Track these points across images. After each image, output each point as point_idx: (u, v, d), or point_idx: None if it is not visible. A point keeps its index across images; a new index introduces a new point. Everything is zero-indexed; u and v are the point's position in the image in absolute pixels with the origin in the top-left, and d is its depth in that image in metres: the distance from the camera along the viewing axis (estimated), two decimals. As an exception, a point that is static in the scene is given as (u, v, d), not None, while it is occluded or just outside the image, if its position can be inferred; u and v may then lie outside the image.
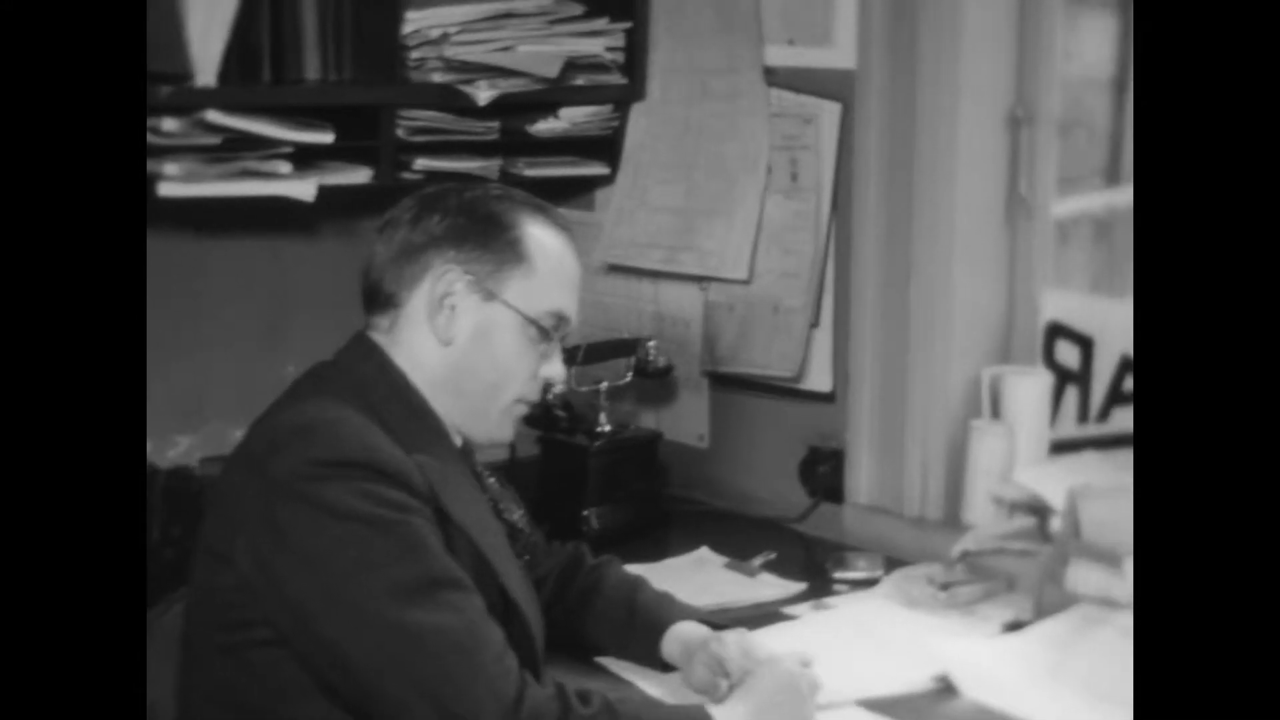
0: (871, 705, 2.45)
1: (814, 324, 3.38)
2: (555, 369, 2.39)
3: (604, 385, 3.42)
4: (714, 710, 2.25)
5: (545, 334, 2.35)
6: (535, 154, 3.53)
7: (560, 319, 2.37)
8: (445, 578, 2.13)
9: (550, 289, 2.35)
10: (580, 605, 2.64)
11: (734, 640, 2.46)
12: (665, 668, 2.55)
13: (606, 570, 2.69)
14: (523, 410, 2.40)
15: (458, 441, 2.38)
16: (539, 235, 2.35)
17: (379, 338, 2.34)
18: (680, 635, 2.54)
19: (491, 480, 2.51)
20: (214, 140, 3.07)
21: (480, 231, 2.32)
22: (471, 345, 2.32)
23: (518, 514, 2.54)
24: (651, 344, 3.50)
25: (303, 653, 2.13)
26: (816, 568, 3.08)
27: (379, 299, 2.35)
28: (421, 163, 3.35)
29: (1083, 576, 2.70)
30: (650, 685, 2.52)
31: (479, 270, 2.31)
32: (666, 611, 2.60)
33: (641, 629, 2.58)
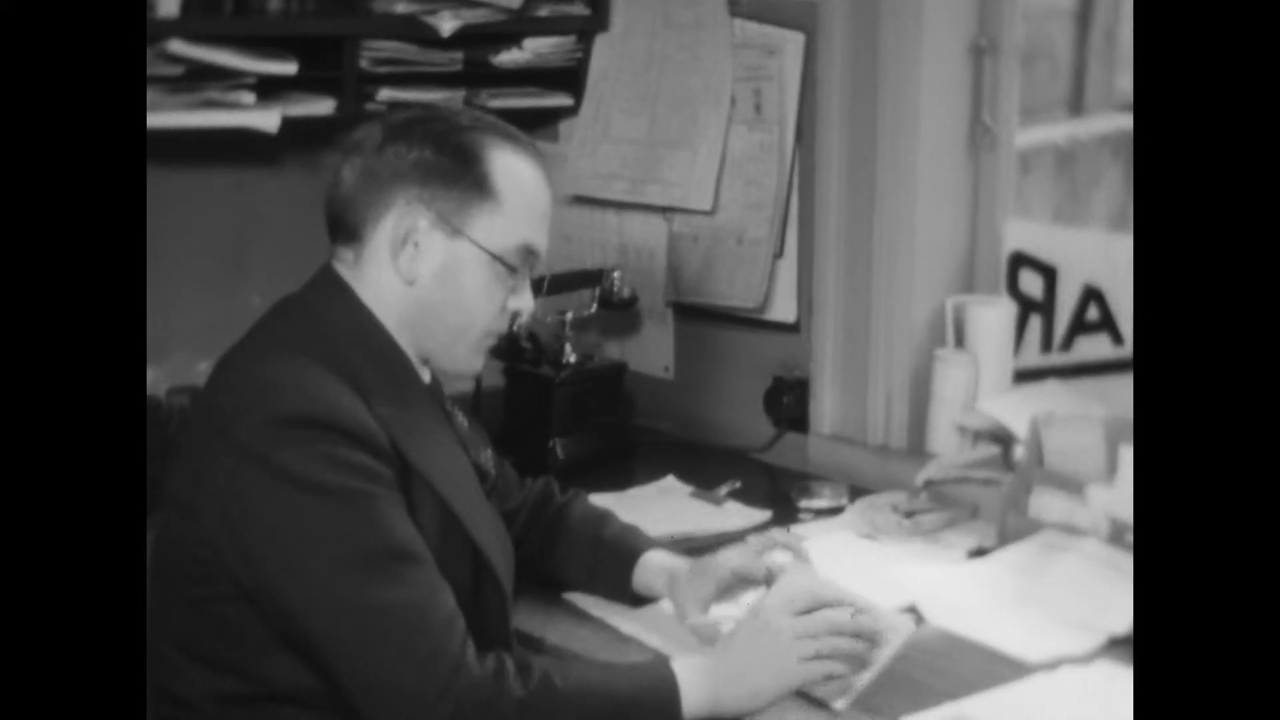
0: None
1: (778, 254, 3.39)
2: (524, 301, 2.35)
3: (569, 316, 3.43)
4: (679, 667, 2.20)
5: (513, 269, 2.31)
6: (499, 85, 3.52)
7: (529, 252, 2.32)
8: (398, 550, 2.12)
9: (518, 223, 2.29)
10: (548, 542, 2.64)
11: (713, 567, 2.48)
12: (636, 601, 2.56)
13: (573, 506, 2.69)
14: (491, 342, 2.37)
15: (426, 376, 2.36)
16: (508, 167, 2.29)
17: (344, 272, 2.30)
18: (652, 565, 2.55)
19: (461, 419, 2.49)
20: (177, 71, 3.06)
21: (447, 166, 2.26)
22: (436, 283, 2.27)
23: (485, 453, 2.51)
24: (616, 275, 3.51)
25: (266, 611, 2.14)
26: (781, 497, 3.10)
27: (343, 230, 2.30)
28: (385, 94, 3.33)
29: (1046, 504, 2.72)
30: (624, 621, 2.54)
31: (444, 208, 2.25)
32: (633, 544, 2.60)
33: (609, 563, 2.59)
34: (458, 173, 2.26)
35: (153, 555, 2.26)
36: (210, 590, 2.16)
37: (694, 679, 2.19)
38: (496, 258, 2.28)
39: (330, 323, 2.26)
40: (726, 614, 2.44)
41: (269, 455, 2.10)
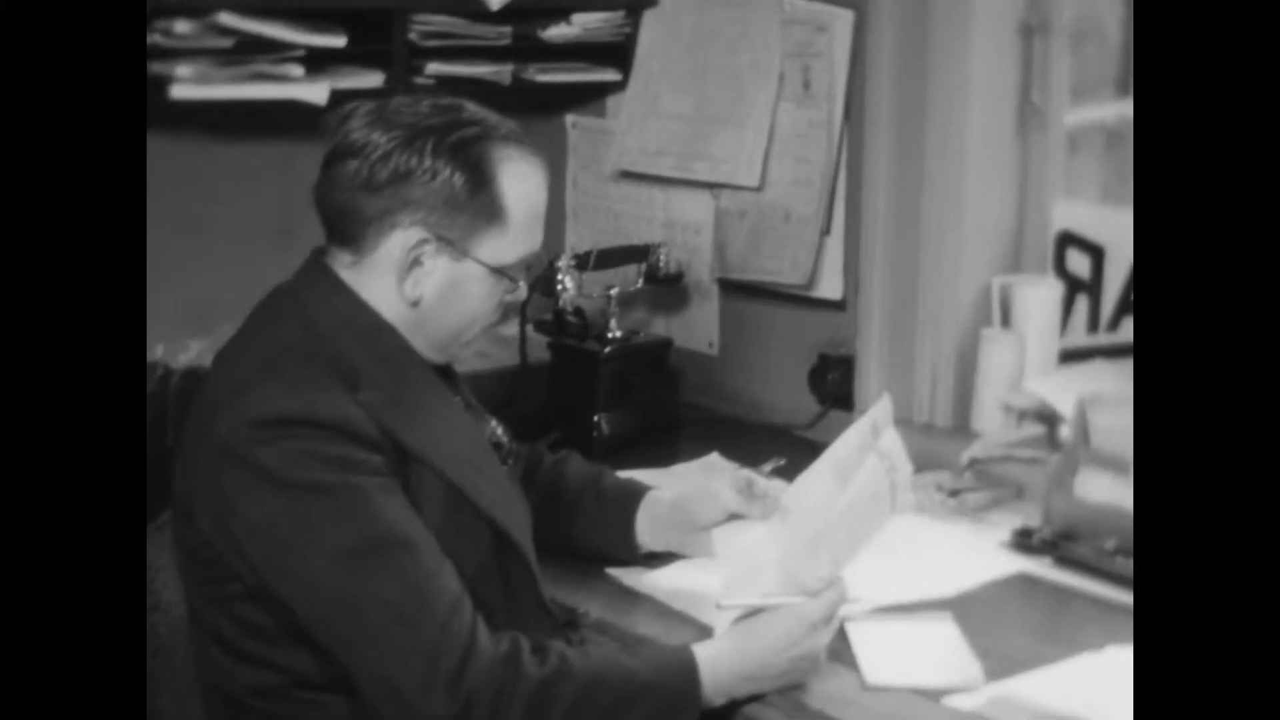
0: (887, 610, 2.48)
1: (825, 232, 3.39)
2: (519, 293, 2.36)
3: (615, 291, 3.43)
4: (701, 652, 2.20)
5: (516, 280, 2.31)
6: (547, 59, 3.53)
7: (531, 259, 2.32)
8: (388, 539, 2.11)
9: (524, 239, 2.28)
10: (546, 503, 2.61)
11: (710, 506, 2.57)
12: (639, 552, 2.62)
13: (567, 464, 2.69)
14: (485, 333, 2.38)
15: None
16: (517, 183, 2.25)
17: (341, 271, 2.27)
18: (657, 500, 2.61)
19: (456, 399, 2.43)
20: (226, 43, 3.06)
21: (457, 191, 2.20)
22: (439, 300, 2.26)
23: (491, 423, 2.49)
24: (662, 250, 3.51)
25: (273, 607, 2.15)
26: (826, 474, 3.09)
27: (339, 234, 2.27)
28: (434, 67, 3.34)
29: (1091, 483, 2.71)
30: (670, 597, 2.55)
31: (451, 234, 2.22)
32: (634, 489, 2.64)
33: (612, 511, 2.61)
34: (468, 198, 2.22)
35: (175, 557, 2.30)
36: (224, 590, 2.18)
37: (716, 666, 2.20)
38: (502, 272, 2.28)
39: (318, 314, 2.24)
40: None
41: (247, 456, 2.10)
